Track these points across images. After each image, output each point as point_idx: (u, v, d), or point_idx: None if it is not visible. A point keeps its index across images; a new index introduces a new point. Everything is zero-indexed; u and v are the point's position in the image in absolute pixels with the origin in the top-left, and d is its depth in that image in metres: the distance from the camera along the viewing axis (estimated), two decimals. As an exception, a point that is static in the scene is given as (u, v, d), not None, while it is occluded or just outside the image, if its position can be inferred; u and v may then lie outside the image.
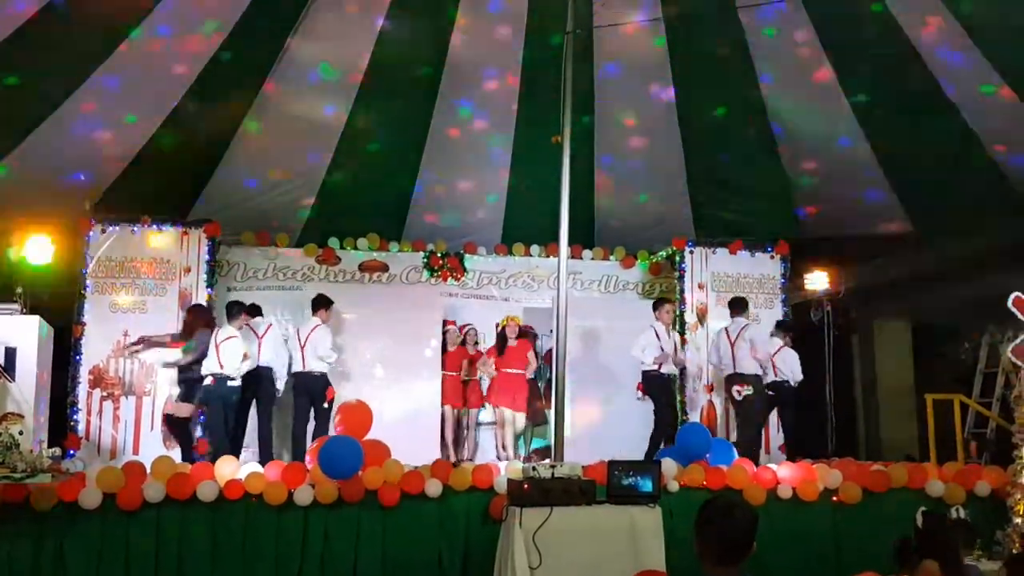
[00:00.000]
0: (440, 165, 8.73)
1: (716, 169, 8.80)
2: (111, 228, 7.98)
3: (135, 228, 8.02)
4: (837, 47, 7.53)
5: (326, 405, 7.51)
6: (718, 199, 9.05)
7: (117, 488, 5.37)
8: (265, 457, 7.12)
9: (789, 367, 7.95)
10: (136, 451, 7.50)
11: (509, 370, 8.27)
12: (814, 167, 8.69)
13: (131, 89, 7.39)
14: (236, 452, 6.92)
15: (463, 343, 8.71)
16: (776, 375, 7.79)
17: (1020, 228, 7.82)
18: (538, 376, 8.72)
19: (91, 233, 7.93)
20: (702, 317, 8.70)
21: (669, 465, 5.97)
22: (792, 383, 8.00)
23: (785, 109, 8.21)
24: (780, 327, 8.17)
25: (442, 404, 8.50)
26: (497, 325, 8.77)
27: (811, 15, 7.31)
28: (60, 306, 7.78)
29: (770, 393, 7.69)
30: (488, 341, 8.92)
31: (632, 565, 4.51)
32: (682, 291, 8.71)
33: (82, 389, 7.66)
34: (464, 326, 8.83)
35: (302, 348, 7.60)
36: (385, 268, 8.95)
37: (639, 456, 7.09)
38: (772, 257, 8.97)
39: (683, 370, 8.27)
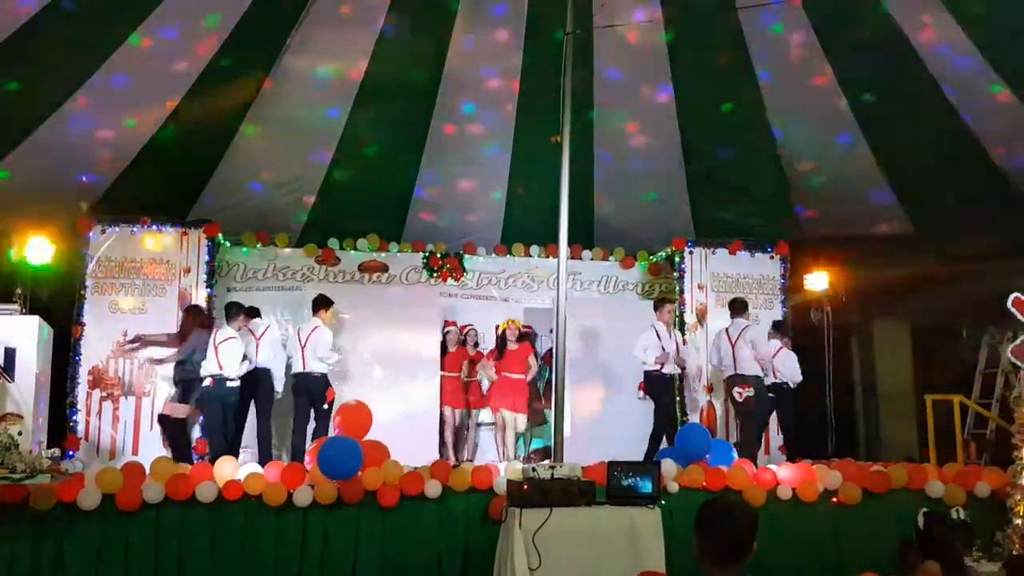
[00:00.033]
0: (440, 165, 8.73)
1: (716, 169, 8.80)
2: (111, 229, 7.98)
3: (135, 229, 8.02)
4: (836, 47, 7.54)
5: (326, 406, 7.50)
6: (718, 199, 9.05)
7: (116, 489, 5.36)
8: (264, 458, 7.11)
9: (788, 369, 7.94)
10: (135, 452, 7.50)
11: (509, 374, 8.25)
12: (814, 167, 8.70)
13: (131, 89, 7.38)
14: (235, 453, 6.91)
15: (463, 343, 8.70)
16: (775, 377, 7.78)
17: (1020, 228, 7.82)
18: (537, 378, 8.71)
19: (91, 233, 7.93)
20: (702, 318, 8.69)
21: (669, 466, 5.96)
22: (791, 385, 8.00)
23: (785, 109, 8.21)
24: (777, 328, 8.16)
25: (442, 405, 8.48)
26: (497, 328, 8.75)
27: (810, 15, 7.31)
28: (60, 306, 7.79)
29: (770, 395, 7.68)
30: (488, 342, 8.92)
31: (632, 566, 4.51)
32: (681, 291, 8.71)
33: (81, 389, 7.66)
34: (464, 327, 8.83)
35: (302, 349, 7.58)
36: (385, 268, 8.95)
37: (638, 456, 7.09)
38: (772, 258, 8.98)
39: (682, 370, 8.26)
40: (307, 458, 6.20)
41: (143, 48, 7.08)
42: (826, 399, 8.71)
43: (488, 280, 9.15)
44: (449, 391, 8.50)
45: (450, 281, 9.03)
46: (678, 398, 8.29)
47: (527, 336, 8.57)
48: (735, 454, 6.80)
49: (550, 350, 8.44)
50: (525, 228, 9.08)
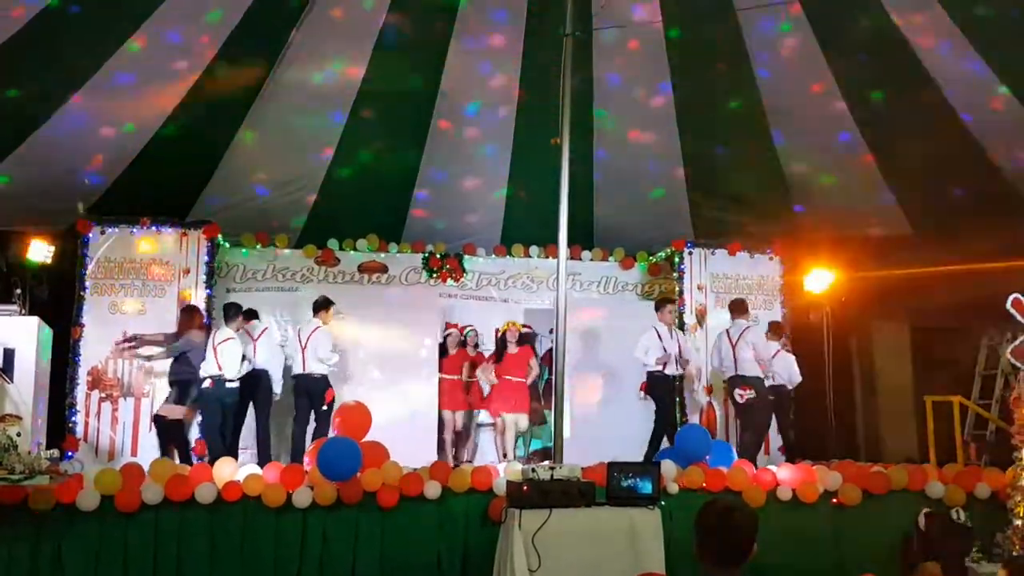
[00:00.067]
0: (439, 166, 8.72)
1: (715, 170, 8.80)
2: (110, 229, 7.98)
3: (134, 229, 8.02)
4: (836, 48, 7.54)
5: (325, 407, 7.50)
6: (717, 200, 9.05)
7: (115, 490, 5.36)
8: (263, 459, 7.11)
9: (786, 371, 7.93)
10: (134, 453, 7.48)
11: (509, 377, 8.23)
12: (813, 168, 8.69)
13: (131, 90, 7.38)
14: (233, 454, 6.91)
15: (463, 345, 8.67)
16: (773, 379, 7.76)
17: (1020, 228, 7.82)
18: (537, 379, 8.69)
19: (90, 234, 7.93)
20: (701, 318, 8.69)
21: (669, 467, 5.96)
22: (790, 387, 7.99)
23: (784, 110, 8.21)
24: (773, 329, 8.11)
25: (443, 408, 8.43)
26: (497, 331, 8.71)
27: (810, 15, 7.31)
28: (59, 307, 7.79)
29: (769, 397, 7.67)
30: (487, 342, 8.91)
31: (632, 567, 4.51)
32: (681, 292, 8.71)
33: (80, 390, 7.65)
34: (464, 327, 8.81)
35: (303, 350, 7.58)
36: (384, 269, 8.95)
37: (638, 457, 7.08)
38: (771, 258, 8.99)
39: (684, 370, 8.24)
40: (306, 459, 6.20)
41: (143, 48, 7.08)
42: (826, 400, 8.71)
43: (488, 281, 9.15)
44: (450, 394, 8.46)
45: (450, 282, 9.03)
46: (677, 399, 8.28)
47: (527, 339, 8.55)
48: (735, 455, 6.79)
49: (550, 351, 8.43)
50: (525, 229, 9.08)
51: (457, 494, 5.73)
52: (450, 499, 5.72)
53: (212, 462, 5.92)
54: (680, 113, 8.32)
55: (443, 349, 8.62)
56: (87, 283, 7.84)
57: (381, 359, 8.62)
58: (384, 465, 5.73)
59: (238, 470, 5.75)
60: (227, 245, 8.52)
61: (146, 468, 5.65)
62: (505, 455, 8.09)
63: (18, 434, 5.65)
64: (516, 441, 8.36)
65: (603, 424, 8.53)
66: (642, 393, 8.16)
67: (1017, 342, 6.05)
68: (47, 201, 7.90)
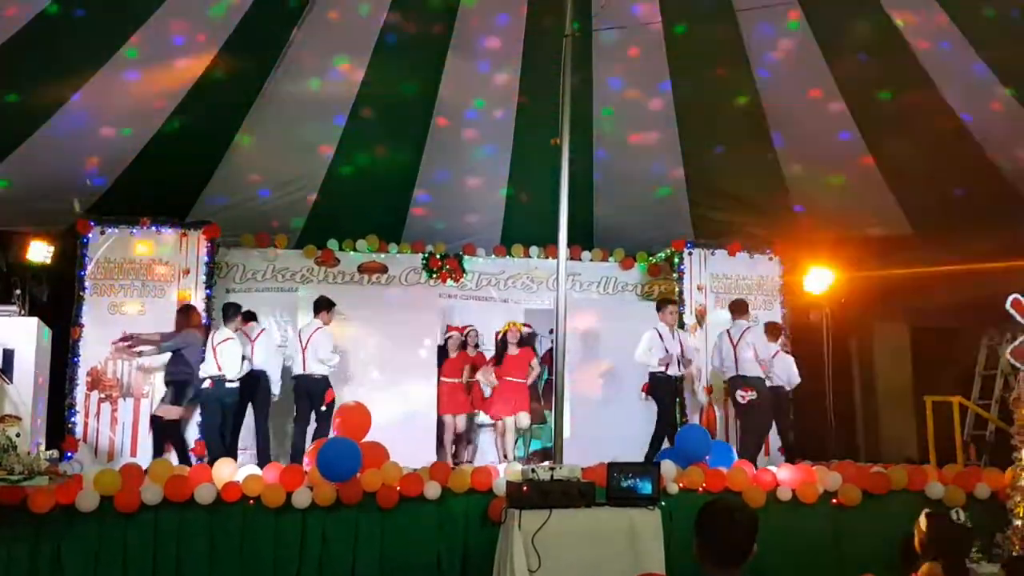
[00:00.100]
0: (439, 166, 8.72)
1: (715, 170, 8.80)
2: (110, 230, 7.97)
3: (134, 230, 8.01)
4: (835, 48, 7.53)
5: (323, 408, 7.49)
6: (717, 200, 9.05)
7: (114, 490, 5.35)
8: (263, 460, 7.10)
9: (785, 372, 7.91)
10: (134, 453, 7.48)
11: (510, 378, 8.21)
12: (813, 168, 8.69)
13: (131, 90, 7.37)
14: (233, 455, 6.90)
15: (464, 345, 8.65)
16: (772, 381, 7.75)
17: (1020, 229, 7.82)
18: (537, 380, 8.68)
19: (90, 235, 7.92)
20: (701, 319, 8.69)
21: (668, 467, 5.95)
22: (788, 388, 7.97)
23: (784, 110, 8.21)
24: (770, 330, 8.04)
25: (444, 413, 8.35)
26: (497, 334, 8.65)
27: (809, 16, 7.31)
28: (59, 308, 7.78)
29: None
30: (487, 342, 8.89)
31: (632, 567, 4.50)
32: (681, 292, 8.71)
33: (80, 391, 7.64)
34: (464, 327, 8.80)
35: (303, 351, 7.57)
36: (384, 269, 8.95)
37: (638, 457, 7.08)
38: (771, 259, 8.99)
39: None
40: (306, 459, 6.19)
41: (143, 48, 7.07)
42: (826, 400, 8.70)
43: (487, 281, 9.14)
44: (451, 397, 8.38)
45: (449, 282, 9.03)
46: (678, 399, 8.27)
47: (528, 341, 8.53)
48: (735, 455, 6.79)
49: (550, 351, 8.42)
50: (524, 229, 9.08)
51: (457, 494, 5.72)
52: (450, 499, 5.71)
53: (212, 462, 5.91)
54: (680, 113, 8.32)
55: (444, 352, 8.57)
56: (87, 284, 7.83)
57: (381, 360, 8.61)
58: (384, 465, 5.73)
59: (237, 471, 5.74)
60: (226, 245, 8.51)
61: (145, 468, 5.65)
62: (505, 456, 8.08)
63: (17, 435, 5.65)
64: (517, 441, 8.33)
65: (603, 424, 8.51)
66: (644, 394, 8.15)
67: (1017, 342, 6.06)
68: (47, 201, 7.90)
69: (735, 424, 8.20)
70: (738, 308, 7.71)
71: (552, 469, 4.93)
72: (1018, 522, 5.77)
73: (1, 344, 6.53)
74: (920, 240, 8.76)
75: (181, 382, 7.15)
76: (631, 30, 7.46)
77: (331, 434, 6.81)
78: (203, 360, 7.20)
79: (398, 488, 5.62)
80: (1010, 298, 6.01)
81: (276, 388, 7.72)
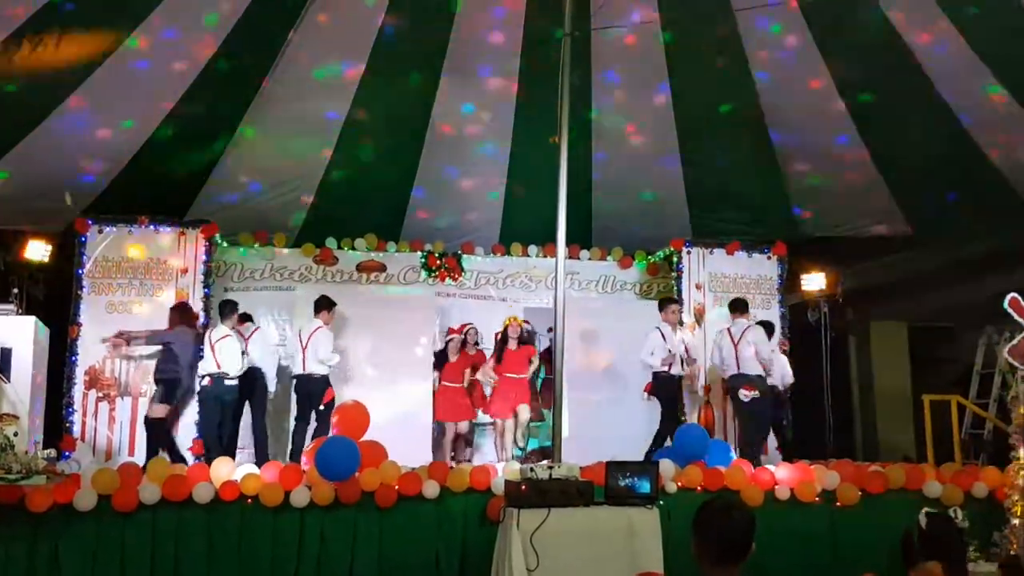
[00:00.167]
0: (438, 165, 8.72)
1: (713, 170, 8.80)
2: (108, 228, 7.96)
3: (132, 229, 8.01)
4: (833, 48, 7.54)
5: (322, 407, 7.48)
6: (715, 200, 9.05)
7: (112, 490, 5.34)
8: (261, 458, 7.10)
9: (779, 371, 7.91)
10: (132, 452, 7.47)
11: (510, 375, 8.20)
12: (811, 168, 8.70)
13: (130, 89, 7.36)
14: (231, 453, 6.89)
15: (464, 344, 8.61)
16: (769, 379, 7.75)
17: (1018, 229, 7.84)
18: (535, 376, 8.67)
19: (88, 233, 7.91)
20: (699, 318, 8.69)
21: (667, 466, 5.95)
22: (781, 387, 7.97)
23: (782, 110, 8.21)
24: (765, 329, 8.03)
25: (445, 420, 8.27)
26: (497, 334, 8.59)
27: (808, 16, 7.31)
28: (56, 306, 7.77)
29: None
30: (487, 342, 8.88)
31: (630, 566, 4.50)
32: (680, 292, 8.71)
33: (78, 390, 7.64)
34: (464, 325, 8.78)
35: (303, 350, 7.56)
36: (383, 268, 8.94)
37: (636, 456, 7.07)
38: (769, 258, 8.99)
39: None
40: (304, 459, 6.18)
41: (141, 48, 7.06)
42: (824, 399, 8.72)
43: (486, 280, 9.14)
44: (452, 403, 8.27)
45: (448, 281, 9.02)
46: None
47: (529, 339, 8.50)
48: (733, 454, 6.79)
49: (548, 349, 8.42)
50: (523, 228, 9.08)
51: (455, 494, 5.71)
52: (448, 499, 5.70)
53: (210, 461, 5.90)
54: (678, 112, 8.32)
55: (443, 356, 8.48)
56: (84, 282, 7.82)
57: (379, 358, 8.59)
58: (382, 465, 5.72)
59: (235, 470, 5.73)
60: (225, 244, 8.51)
61: (143, 467, 5.64)
62: (503, 453, 8.08)
63: (15, 433, 5.64)
64: (516, 432, 8.28)
65: (602, 423, 8.51)
66: (646, 394, 8.13)
67: (1015, 341, 6.06)
68: (45, 200, 7.88)
69: (734, 423, 8.21)
70: (738, 307, 7.70)
71: (551, 468, 4.93)
72: (1016, 521, 5.78)
73: (-1, 343, 6.52)
74: (919, 240, 8.77)
75: (170, 380, 7.15)
76: (630, 29, 7.46)
77: (330, 433, 6.81)
78: (195, 359, 7.20)
79: (396, 487, 5.61)
80: (1008, 297, 6.01)
81: (272, 386, 7.71)
